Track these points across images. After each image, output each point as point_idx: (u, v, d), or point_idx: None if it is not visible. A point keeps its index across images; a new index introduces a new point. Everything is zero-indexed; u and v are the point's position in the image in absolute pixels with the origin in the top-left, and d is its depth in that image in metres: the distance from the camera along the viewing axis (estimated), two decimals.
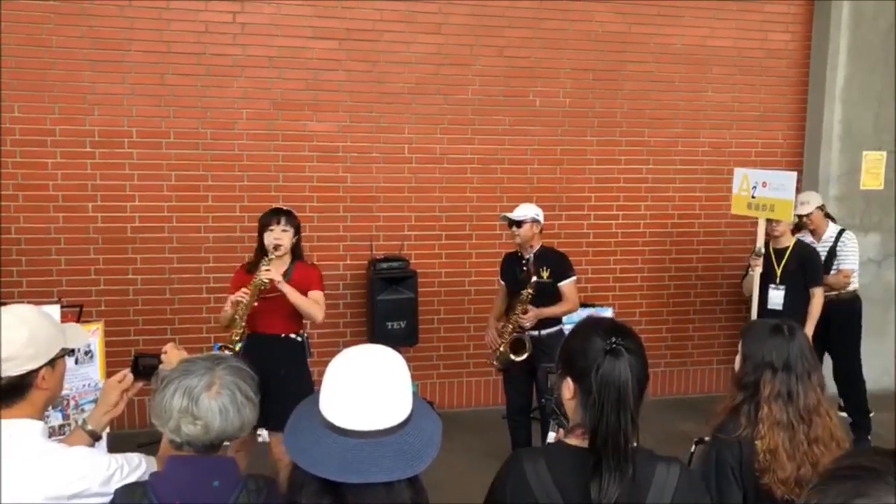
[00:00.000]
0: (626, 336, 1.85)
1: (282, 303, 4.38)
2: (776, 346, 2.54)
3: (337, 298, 6.38)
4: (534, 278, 4.89)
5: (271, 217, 4.44)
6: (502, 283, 5.34)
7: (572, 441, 1.89)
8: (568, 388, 1.88)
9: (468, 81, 6.50)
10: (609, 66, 6.76)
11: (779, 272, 5.48)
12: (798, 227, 6.06)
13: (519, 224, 5.00)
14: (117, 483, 1.92)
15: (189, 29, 5.97)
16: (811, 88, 7.13)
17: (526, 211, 5.05)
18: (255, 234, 4.59)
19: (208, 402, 1.82)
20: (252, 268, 4.42)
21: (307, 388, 4.47)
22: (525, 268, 5.02)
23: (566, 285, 5.07)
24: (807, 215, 5.98)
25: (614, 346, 1.80)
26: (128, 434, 5.28)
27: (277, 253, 4.37)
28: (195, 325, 6.05)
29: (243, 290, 4.29)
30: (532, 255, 5.04)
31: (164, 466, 1.89)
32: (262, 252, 4.42)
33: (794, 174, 5.22)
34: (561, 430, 2.08)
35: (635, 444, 1.85)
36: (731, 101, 7.06)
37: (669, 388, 7.19)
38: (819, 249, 5.90)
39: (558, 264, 5.06)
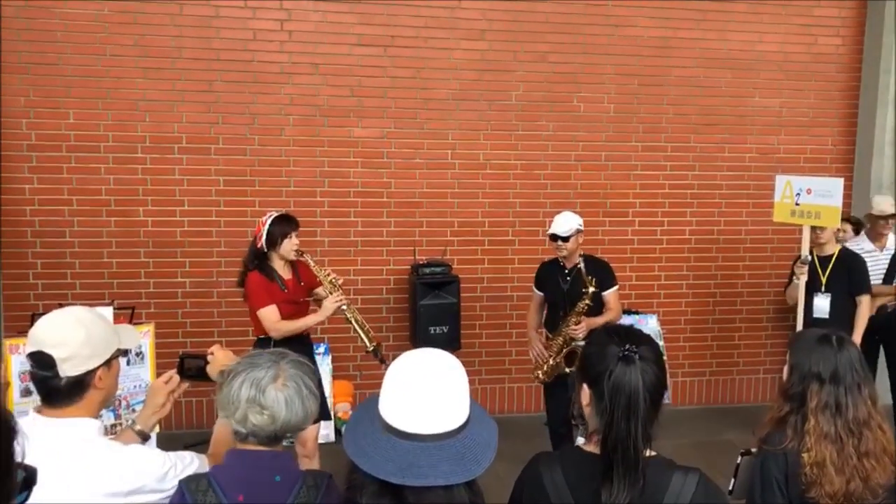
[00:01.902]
0: (641, 344, 1.84)
1: (307, 306, 4.68)
2: (824, 357, 2.49)
3: (380, 303, 6.43)
4: (591, 289, 4.79)
5: (290, 227, 4.57)
6: (538, 293, 5.26)
7: (588, 447, 1.90)
8: (585, 394, 1.89)
9: (511, 87, 6.51)
10: (654, 72, 6.70)
11: (824, 280, 5.39)
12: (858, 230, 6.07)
13: (566, 238, 4.90)
14: (172, 479, 1.97)
15: (237, 37, 6.08)
16: (863, 93, 6.99)
17: (570, 223, 4.92)
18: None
19: (275, 393, 1.88)
20: (266, 272, 4.52)
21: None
22: (568, 277, 4.97)
23: (610, 294, 5.01)
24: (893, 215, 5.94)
25: (627, 352, 1.80)
26: (175, 434, 5.39)
27: (296, 258, 4.60)
28: (242, 328, 6.13)
29: (336, 296, 4.52)
30: (581, 264, 4.91)
31: (226, 459, 1.94)
32: (255, 255, 4.53)
33: (841, 180, 5.10)
34: None
35: (652, 453, 1.85)
36: (778, 106, 6.96)
37: (715, 397, 7.09)
38: (881, 258, 5.83)
39: (603, 273, 4.99)
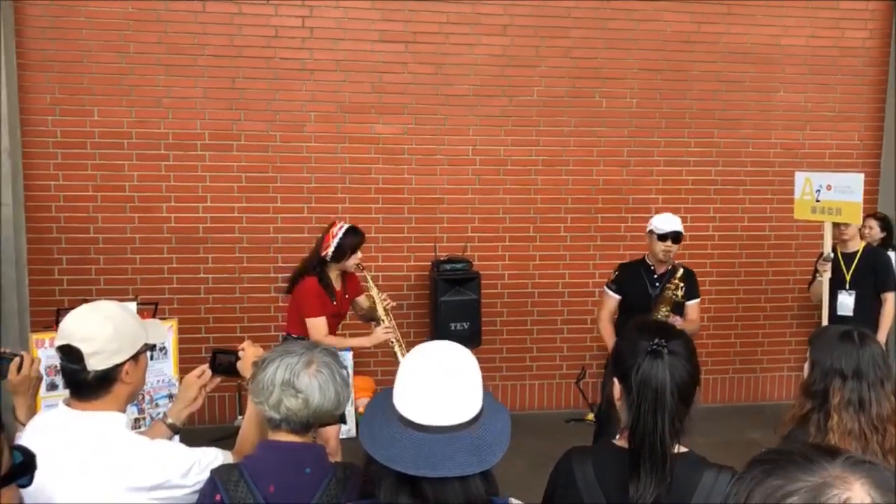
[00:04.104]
0: (671, 338, 1.83)
1: (342, 318, 4.73)
2: (846, 353, 2.47)
3: (401, 299, 6.43)
4: (680, 273, 4.58)
5: (360, 240, 4.55)
6: (615, 295, 4.90)
7: (619, 442, 1.89)
8: (616, 388, 1.89)
9: (533, 83, 6.49)
10: (677, 66, 6.65)
11: (848, 277, 5.33)
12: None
13: (678, 238, 4.66)
14: (196, 475, 1.99)
15: (259, 34, 6.11)
16: (890, 87, 6.87)
17: (679, 222, 4.69)
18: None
19: (308, 378, 1.92)
20: (324, 283, 4.50)
21: None
22: (657, 283, 4.72)
23: (694, 305, 4.82)
24: None
25: (655, 347, 1.80)
26: (199, 430, 5.43)
27: (355, 271, 4.63)
28: (264, 324, 6.19)
29: (388, 325, 4.55)
30: (680, 273, 4.64)
31: (257, 451, 1.97)
32: (319, 260, 4.51)
33: (861, 175, 5.01)
34: None
35: (683, 449, 1.84)
36: (803, 101, 6.87)
37: (738, 395, 7.03)
38: None
39: (693, 282, 4.78)
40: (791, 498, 0.92)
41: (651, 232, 4.74)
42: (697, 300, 4.87)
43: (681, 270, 4.65)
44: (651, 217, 4.90)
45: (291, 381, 1.90)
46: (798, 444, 1.01)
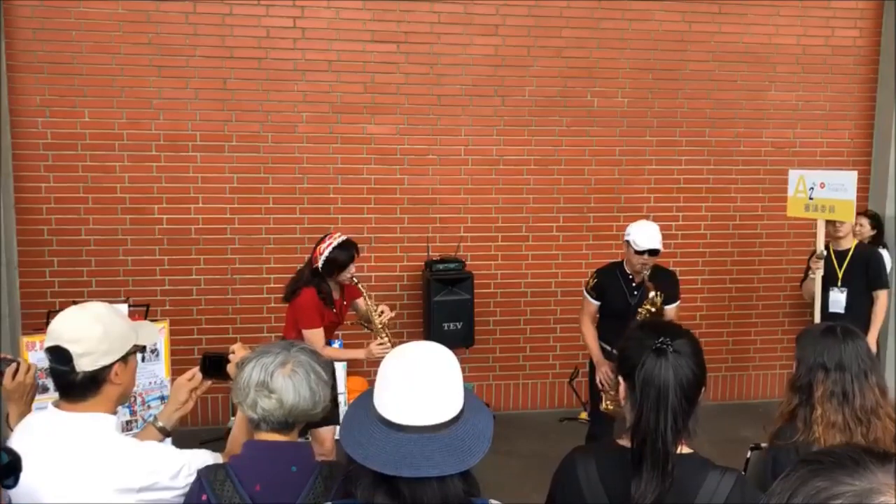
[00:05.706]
0: (677, 337, 1.83)
1: (340, 324, 4.76)
2: (828, 347, 2.50)
3: (394, 300, 6.43)
4: (658, 296, 4.51)
5: (354, 254, 4.49)
6: (595, 302, 4.84)
7: (623, 441, 1.89)
8: (622, 388, 1.88)
9: (525, 83, 6.49)
10: (669, 66, 6.66)
11: (840, 274, 5.35)
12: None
13: (655, 253, 4.58)
14: (185, 477, 1.99)
15: (251, 34, 6.10)
16: (880, 86, 6.91)
17: (659, 235, 4.60)
18: (315, 236, 4.68)
19: (282, 379, 1.92)
20: (322, 294, 4.46)
21: None
22: (636, 291, 4.67)
23: (673, 308, 4.78)
24: None
25: (660, 345, 1.79)
26: (190, 431, 5.41)
27: (349, 283, 4.60)
28: (256, 325, 6.17)
29: (384, 342, 4.48)
30: (654, 294, 4.54)
31: (243, 450, 1.97)
32: (312, 271, 4.47)
33: (855, 173, 5.04)
34: None
35: (688, 450, 1.84)
36: (795, 99, 6.90)
37: (730, 393, 7.05)
38: None
39: (671, 287, 4.74)
40: (835, 501, 0.91)
41: (629, 243, 4.65)
42: (676, 304, 4.82)
43: (659, 298, 4.57)
44: (633, 224, 4.76)
45: (266, 381, 1.91)
46: (850, 447, 1.00)
